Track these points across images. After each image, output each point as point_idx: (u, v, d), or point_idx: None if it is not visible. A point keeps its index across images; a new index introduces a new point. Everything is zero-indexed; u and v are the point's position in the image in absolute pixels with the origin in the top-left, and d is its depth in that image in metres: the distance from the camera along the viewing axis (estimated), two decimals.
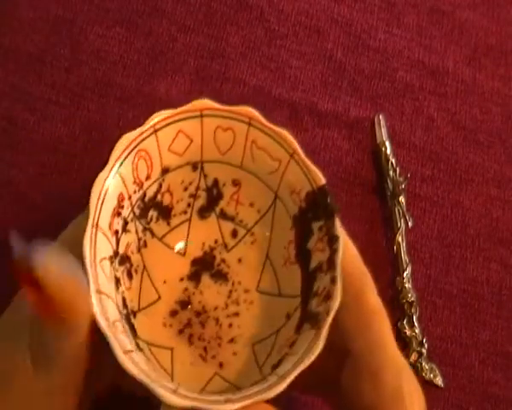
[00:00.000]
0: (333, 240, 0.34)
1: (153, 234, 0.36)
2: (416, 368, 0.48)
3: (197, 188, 0.37)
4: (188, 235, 0.37)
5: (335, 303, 0.32)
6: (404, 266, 0.50)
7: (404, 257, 0.50)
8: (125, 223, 0.34)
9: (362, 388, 0.32)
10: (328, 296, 0.33)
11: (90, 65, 0.53)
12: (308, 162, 0.36)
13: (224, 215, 0.38)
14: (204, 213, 0.38)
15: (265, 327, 0.36)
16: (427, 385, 0.47)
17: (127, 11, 0.55)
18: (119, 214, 0.33)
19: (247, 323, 0.37)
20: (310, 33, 0.57)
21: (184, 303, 0.36)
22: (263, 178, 0.37)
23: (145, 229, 0.36)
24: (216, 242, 0.38)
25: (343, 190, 0.52)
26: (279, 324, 0.36)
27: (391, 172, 0.52)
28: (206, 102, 0.35)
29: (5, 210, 0.48)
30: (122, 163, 0.33)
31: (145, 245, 0.36)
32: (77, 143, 0.50)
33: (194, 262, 0.37)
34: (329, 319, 0.32)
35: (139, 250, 0.35)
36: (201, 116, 0.35)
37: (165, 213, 0.37)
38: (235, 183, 0.37)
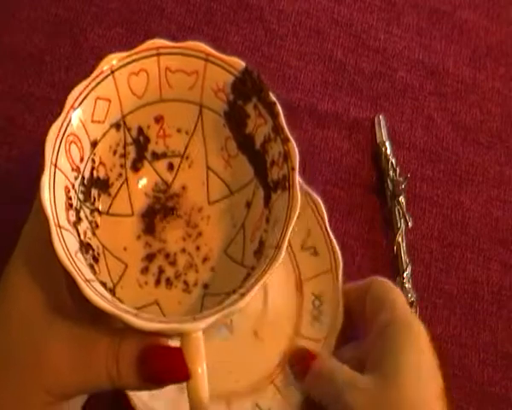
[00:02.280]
0: (271, 107, 0.35)
1: (99, 212, 0.37)
2: None
3: (124, 145, 0.37)
4: (129, 194, 0.38)
5: (295, 157, 0.34)
6: (404, 266, 0.50)
7: (404, 257, 0.50)
8: (77, 212, 0.34)
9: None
10: (286, 156, 0.34)
11: (90, 64, 0.52)
12: (224, 56, 0.36)
13: (155, 156, 0.38)
14: (136, 164, 0.38)
15: (229, 229, 0.37)
16: None
17: (127, 11, 0.55)
18: (70, 206, 0.33)
19: (212, 237, 0.38)
20: (310, 33, 0.57)
21: (150, 256, 0.37)
22: (184, 98, 0.37)
23: (92, 211, 0.36)
24: (156, 184, 0.38)
25: (343, 190, 0.52)
26: (241, 217, 0.37)
27: (391, 172, 0.52)
28: (112, 57, 0.35)
29: (5, 210, 0.48)
30: (57, 156, 0.33)
31: (97, 226, 0.36)
32: None
33: (143, 215, 0.38)
34: (296, 174, 0.33)
35: (94, 233, 0.36)
36: (112, 72, 0.35)
37: (104, 185, 0.37)
38: (158, 119, 0.38)
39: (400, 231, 0.51)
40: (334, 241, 0.46)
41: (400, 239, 0.51)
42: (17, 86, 0.51)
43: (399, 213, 0.52)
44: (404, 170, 0.53)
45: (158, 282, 0.37)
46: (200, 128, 0.38)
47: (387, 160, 0.53)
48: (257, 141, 0.36)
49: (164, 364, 0.30)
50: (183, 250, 0.37)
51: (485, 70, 0.58)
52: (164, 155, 0.38)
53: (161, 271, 0.37)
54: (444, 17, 0.59)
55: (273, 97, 0.35)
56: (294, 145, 0.34)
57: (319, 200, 0.47)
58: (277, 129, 0.35)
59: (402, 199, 0.52)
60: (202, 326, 0.30)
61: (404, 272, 0.50)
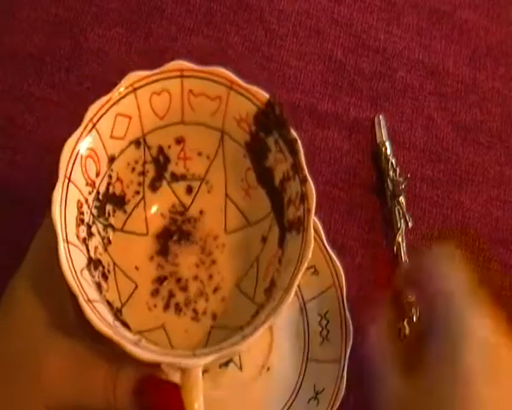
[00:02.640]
0: (291, 144, 0.35)
1: (113, 228, 0.36)
2: None
3: (144, 163, 0.37)
4: (145, 213, 0.38)
5: (312, 199, 0.33)
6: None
7: (404, 257, 0.50)
8: (89, 227, 0.34)
9: None
10: (303, 197, 0.34)
11: (90, 65, 0.53)
12: (248, 86, 0.36)
13: (175, 177, 0.38)
14: (155, 184, 0.38)
15: (244, 261, 0.37)
16: None
17: (127, 11, 0.55)
18: (82, 221, 0.33)
19: (225, 266, 0.37)
20: (310, 33, 0.57)
21: (161, 279, 0.37)
22: (206, 123, 0.37)
23: (105, 226, 0.36)
24: (173, 206, 0.38)
25: (343, 190, 0.52)
26: (256, 251, 0.37)
27: (391, 173, 0.52)
28: (135, 75, 0.35)
29: (4, 210, 0.48)
30: (72, 170, 0.32)
31: (109, 242, 0.36)
32: None
33: (158, 236, 0.38)
34: (312, 217, 0.33)
35: (106, 249, 0.35)
36: (134, 90, 0.35)
37: (120, 202, 0.37)
38: (179, 140, 0.37)
39: (400, 231, 0.51)
40: (335, 257, 0.46)
41: (400, 239, 0.51)
42: (17, 86, 0.51)
43: (399, 213, 0.52)
44: (404, 170, 0.53)
45: (167, 306, 0.36)
46: (221, 155, 0.37)
47: (387, 160, 0.53)
48: (276, 177, 0.36)
49: (160, 397, 0.30)
50: (196, 277, 0.37)
51: (485, 70, 0.58)
52: (183, 178, 0.38)
53: (171, 295, 0.36)
54: (444, 17, 0.59)
55: (294, 134, 0.35)
56: (312, 186, 0.33)
57: (314, 218, 0.46)
58: (297, 168, 0.34)
59: (402, 199, 0.52)
60: (201, 363, 0.30)
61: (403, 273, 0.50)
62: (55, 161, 0.49)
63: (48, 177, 0.44)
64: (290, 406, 0.44)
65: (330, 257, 0.46)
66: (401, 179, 0.52)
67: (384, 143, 0.53)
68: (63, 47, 0.53)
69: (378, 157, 0.53)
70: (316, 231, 0.46)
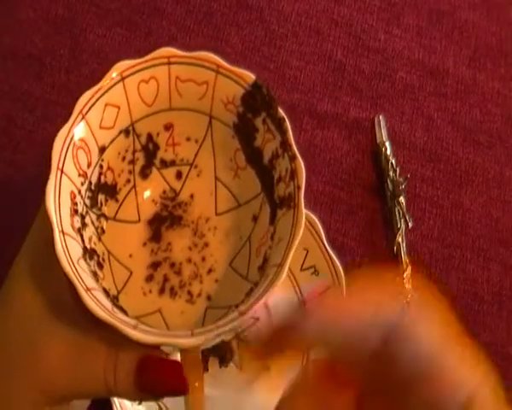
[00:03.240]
0: (280, 123, 0.35)
1: (106, 217, 0.36)
2: None
3: (133, 152, 0.37)
4: (137, 201, 0.38)
5: (302, 176, 0.34)
6: (404, 266, 0.50)
7: (404, 257, 0.50)
8: (83, 218, 0.34)
9: None
10: (293, 174, 0.34)
11: (90, 65, 0.53)
12: (235, 68, 0.36)
13: (164, 164, 0.38)
14: (145, 171, 0.38)
15: (236, 241, 0.37)
16: None
17: (127, 11, 0.55)
18: (76, 212, 0.33)
19: (218, 248, 0.38)
20: (310, 34, 0.57)
21: (155, 264, 0.37)
22: (194, 108, 0.37)
23: (98, 216, 0.36)
24: (164, 192, 0.38)
25: (343, 190, 0.52)
26: (248, 230, 0.37)
27: (391, 173, 0.52)
28: (122, 64, 0.35)
29: (5, 210, 0.48)
30: (64, 161, 0.33)
31: (103, 232, 0.36)
32: None
33: (150, 222, 0.38)
34: (302, 193, 0.33)
35: (100, 239, 0.36)
36: (122, 79, 0.35)
37: (111, 191, 0.37)
38: (167, 126, 0.38)
39: (400, 232, 0.51)
40: (334, 257, 0.46)
41: (400, 239, 0.51)
42: (17, 86, 0.51)
43: (399, 213, 0.52)
44: (404, 170, 0.53)
45: (162, 291, 0.37)
46: (210, 138, 0.38)
47: (387, 160, 0.53)
48: (265, 156, 0.36)
49: (162, 376, 0.30)
50: (189, 260, 0.37)
51: (485, 70, 0.58)
52: (173, 163, 0.38)
53: (166, 279, 0.37)
54: (444, 17, 0.59)
55: (282, 113, 0.35)
56: (301, 163, 0.34)
57: (314, 218, 0.46)
58: (285, 145, 0.34)
59: (402, 199, 0.52)
60: (199, 342, 0.30)
61: (404, 273, 0.50)
62: None
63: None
64: None
65: (330, 257, 0.46)
66: (401, 179, 0.52)
67: (384, 143, 0.53)
68: (63, 47, 0.53)
69: (378, 157, 0.53)
70: (316, 231, 0.46)
